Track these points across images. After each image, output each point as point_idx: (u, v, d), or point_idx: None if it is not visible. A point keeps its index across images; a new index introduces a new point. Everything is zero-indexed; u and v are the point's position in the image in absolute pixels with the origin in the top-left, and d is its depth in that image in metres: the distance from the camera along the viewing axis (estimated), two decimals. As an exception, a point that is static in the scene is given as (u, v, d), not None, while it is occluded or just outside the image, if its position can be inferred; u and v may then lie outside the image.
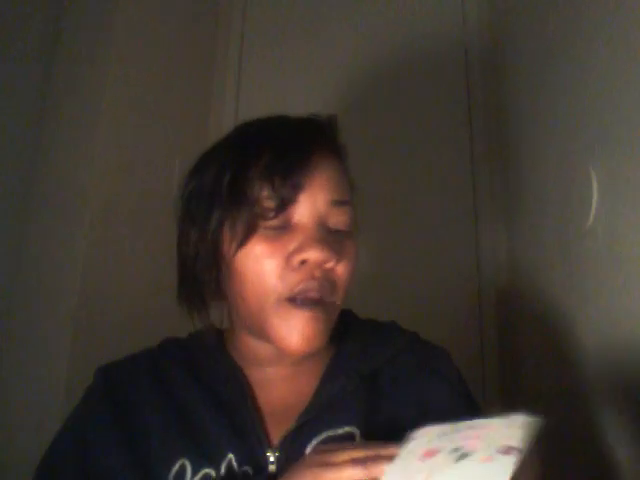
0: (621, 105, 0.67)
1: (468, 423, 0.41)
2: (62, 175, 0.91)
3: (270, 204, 0.51)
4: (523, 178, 1.09)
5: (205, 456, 0.50)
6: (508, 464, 0.34)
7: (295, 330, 0.51)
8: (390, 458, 0.40)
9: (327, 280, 0.52)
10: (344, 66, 1.39)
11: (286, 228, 0.52)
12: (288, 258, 0.51)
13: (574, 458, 0.80)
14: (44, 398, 0.81)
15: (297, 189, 0.52)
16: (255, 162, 0.53)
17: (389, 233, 1.27)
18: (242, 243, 0.52)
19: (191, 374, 0.57)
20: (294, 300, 0.51)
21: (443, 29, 1.39)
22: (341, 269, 0.53)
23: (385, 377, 0.58)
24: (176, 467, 0.50)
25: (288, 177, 0.51)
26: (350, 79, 1.38)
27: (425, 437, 0.41)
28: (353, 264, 0.55)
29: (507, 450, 0.36)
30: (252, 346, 0.58)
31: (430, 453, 0.38)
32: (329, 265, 0.52)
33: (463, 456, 0.37)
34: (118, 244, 0.96)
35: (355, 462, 0.41)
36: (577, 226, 0.79)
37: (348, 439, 0.51)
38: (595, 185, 0.74)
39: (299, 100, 1.36)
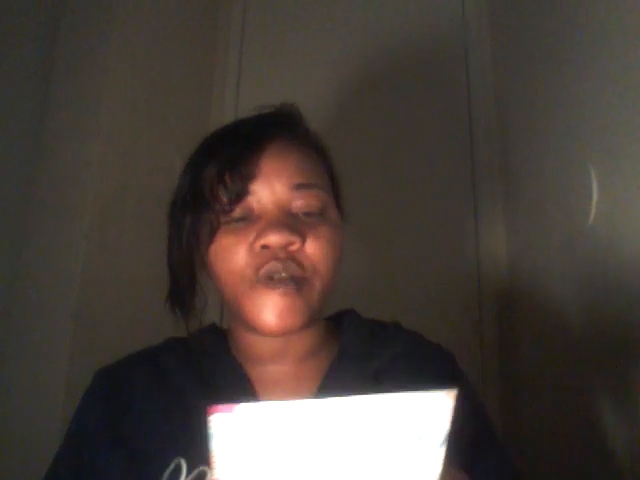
0: (621, 105, 0.67)
1: None
2: (62, 175, 0.91)
3: (226, 198, 0.53)
4: (523, 178, 1.09)
5: (202, 454, 0.50)
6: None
7: (267, 308, 0.51)
8: None
9: (293, 260, 0.52)
10: (344, 65, 1.39)
11: (250, 219, 0.53)
12: (251, 245, 0.52)
13: (572, 454, 0.80)
14: (44, 398, 0.81)
15: (248, 179, 0.53)
16: (207, 162, 0.55)
17: (389, 233, 1.27)
18: (210, 241, 0.53)
19: (192, 372, 0.57)
20: (262, 282, 0.52)
21: (443, 29, 1.39)
22: (311, 249, 0.53)
23: (388, 377, 0.58)
24: (171, 466, 0.50)
25: (236, 169, 0.53)
26: (350, 78, 1.38)
27: None
28: (327, 245, 0.54)
29: None
30: (253, 343, 0.58)
31: None
32: (294, 247, 0.52)
33: None
34: (118, 244, 0.96)
35: None
36: (577, 226, 0.79)
37: None
38: (595, 185, 0.74)
39: (299, 98, 1.35)
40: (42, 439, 0.79)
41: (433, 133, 1.34)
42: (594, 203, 0.74)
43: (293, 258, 0.52)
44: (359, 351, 0.59)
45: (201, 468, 0.50)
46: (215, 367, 0.58)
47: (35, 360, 0.83)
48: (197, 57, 1.34)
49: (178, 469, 0.50)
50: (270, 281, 0.51)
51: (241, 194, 0.52)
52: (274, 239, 0.51)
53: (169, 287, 0.60)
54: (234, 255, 0.52)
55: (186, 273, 0.58)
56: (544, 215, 0.95)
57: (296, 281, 0.52)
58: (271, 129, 0.57)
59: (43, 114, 0.93)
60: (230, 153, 0.54)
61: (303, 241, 0.52)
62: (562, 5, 0.87)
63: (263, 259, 0.51)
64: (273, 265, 0.51)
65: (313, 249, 0.53)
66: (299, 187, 0.54)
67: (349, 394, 0.54)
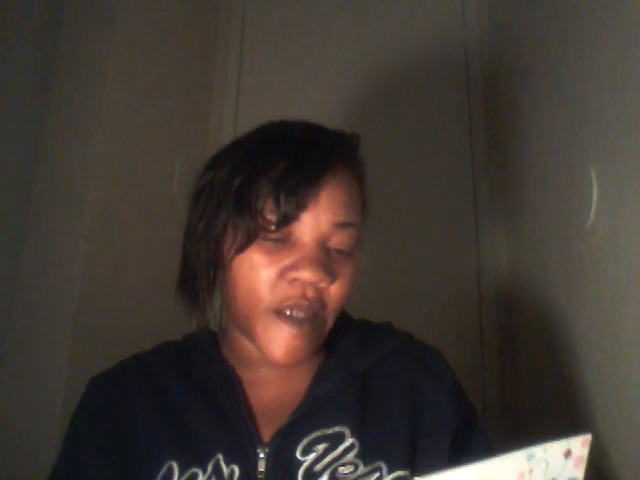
0: (621, 105, 0.67)
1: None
2: (62, 175, 0.91)
3: (272, 218, 0.51)
4: (523, 178, 1.09)
5: (193, 456, 0.51)
6: None
7: (278, 343, 0.52)
8: None
9: (318, 301, 0.53)
10: (344, 67, 1.39)
11: (286, 242, 0.52)
12: (282, 272, 0.51)
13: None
14: (44, 398, 0.81)
15: (301, 207, 0.51)
16: (264, 173, 0.52)
17: (389, 236, 1.26)
18: (240, 250, 0.52)
19: (184, 375, 0.58)
20: (281, 313, 0.52)
21: (443, 29, 1.39)
22: (334, 290, 0.53)
23: (377, 375, 0.59)
24: (163, 470, 0.50)
25: (294, 195, 0.51)
26: (350, 80, 1.38)
27: None
28: (349, 285, 0.55)
29: None
30: (246, 347, 0.58)
31: None
32: (322, 285, 0.52)
33: None
34: (118, 244, 0.96)
35: None
36: (577, 226, 0.79)
37: (339, 438, 0.52)
38: (595, 185, 0.74)
39: (299, 101, 1.36)
40: (42, 439, 0.79)
41: (433, 136, 1.34)
42: (594, 203, 0.74)
43: (319, 299, 0.53)
44: (349, 352, 0.60)
45: (193, 470, 0.50)
46: (206, 369, 0.58)
47: (35, 360, 0.83)
48: (197, 61, 1.34)
49: (170, 472, 0.50)
50: (289, 317, 0.51)
51: (290, 219, 0.51)
52: (308, 276, 0.51)
53: (180, 276, 0.59)
54: (262, 277, 0.52)
55: (206, 266, 0.56)
56: (544, 217, 0.95)
57: (312, 321, 0.52)
58: (334, 157, 0.55)
59: (43, 114, 0.94)
60: (292, 176, 0.52)
61: (332, 282, 0.53)
62: (562, 5, 0.87)
63: (291, 291, 0.51)
64: (300, 302, 0.51)
65: (336, 290, 0.54)
66: (340, 225, 0.54)
67: (337, 394, 0.55)
